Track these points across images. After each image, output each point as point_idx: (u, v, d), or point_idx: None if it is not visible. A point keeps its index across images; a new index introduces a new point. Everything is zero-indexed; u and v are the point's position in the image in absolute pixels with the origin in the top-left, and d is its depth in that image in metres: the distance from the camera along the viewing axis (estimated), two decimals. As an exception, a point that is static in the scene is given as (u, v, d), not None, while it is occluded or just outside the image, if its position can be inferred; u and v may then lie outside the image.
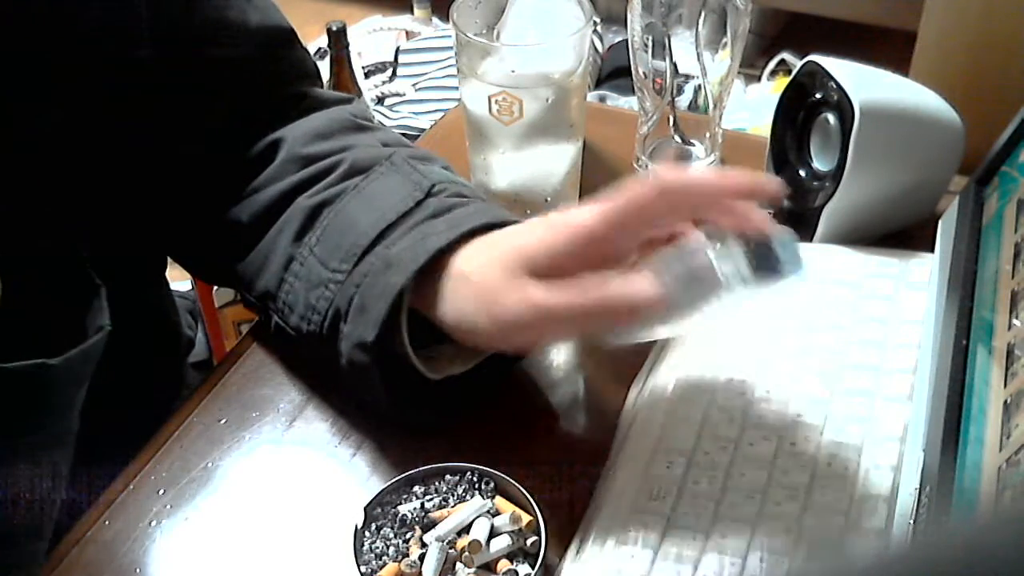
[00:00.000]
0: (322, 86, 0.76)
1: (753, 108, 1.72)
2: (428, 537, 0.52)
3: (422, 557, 0.51)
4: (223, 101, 0.70)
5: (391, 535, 0.53)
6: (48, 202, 0.64)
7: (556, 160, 0.79)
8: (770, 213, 0.77)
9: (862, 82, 0.70)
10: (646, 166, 0.83)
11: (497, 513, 0.53)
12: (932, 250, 0.69)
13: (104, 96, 0.64)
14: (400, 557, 0.52)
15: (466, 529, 0.52)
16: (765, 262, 0.54)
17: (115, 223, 0.69)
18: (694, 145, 0.82)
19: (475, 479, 0.55)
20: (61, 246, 0.62)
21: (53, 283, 0.61)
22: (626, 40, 0.80)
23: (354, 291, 0.60)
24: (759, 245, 0.54)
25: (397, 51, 2.16)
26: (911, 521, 0.53)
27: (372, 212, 0.62)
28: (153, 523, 0.59)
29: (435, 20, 2.33)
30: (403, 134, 0.82)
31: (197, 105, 0.69)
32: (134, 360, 0.76)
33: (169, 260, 0.79)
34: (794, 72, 0.75)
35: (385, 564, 0.52)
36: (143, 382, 0.78)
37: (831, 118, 0.72)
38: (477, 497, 0.54)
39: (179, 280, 1.55)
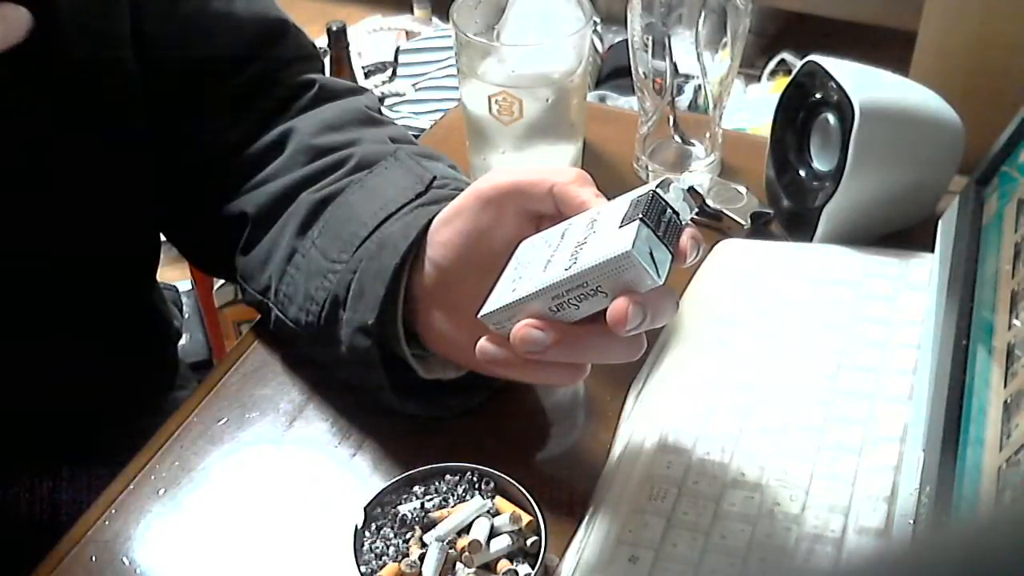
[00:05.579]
0: (323, 67, 0.76)
1: (753, 108, 1.72)
2: (428, 537, 0.52)
3: (422, 557, 0.51)
4: (221, 96, 0.69)
5: (391, 535, 0.52)
6: (39, 206, 0.64)
7: (556, 160, 0.79)
8: (770, 214, 0.77)
9: (862, 82, 0.70)
10: (646, 166, 0.83)
11: (497, 513, 0.53)
12: (932, 250, 0.69)
13: (89, 99, 0.64)
14: (400, 557, 0.52)
15: (466, 529, 0.52)
16: (660, 214, 0.50)
17: (114, 219, 0.69)
18: (694, 145, 0.82)
19: (475, 479, 0.55)
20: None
21: None
22: (626, 40, 0.80)
23: (351, 277, 0.60)
24: (639, 204, 0.50)
25: (397, 51, 2.16)
26: (911, 521, 0.53)
27: (373, 203, 0.62)
28: (153, 523, 0.59)
29: (435, 20, 2.33)
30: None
31: (193, 103, 0.69)
32: (132, 351, 0.77)
33: (163, 262, 0.79)
34: (794, 72, 0.75)
35: (385, 564, 0.51)
36: (141, 372, 0.78)
37: (831, 118, 0.72)
38: (477, 497, 0.54)
39: (179, 280, 1.55)
